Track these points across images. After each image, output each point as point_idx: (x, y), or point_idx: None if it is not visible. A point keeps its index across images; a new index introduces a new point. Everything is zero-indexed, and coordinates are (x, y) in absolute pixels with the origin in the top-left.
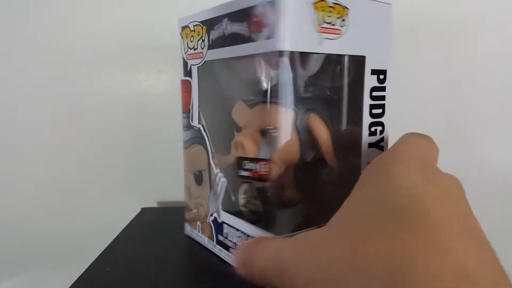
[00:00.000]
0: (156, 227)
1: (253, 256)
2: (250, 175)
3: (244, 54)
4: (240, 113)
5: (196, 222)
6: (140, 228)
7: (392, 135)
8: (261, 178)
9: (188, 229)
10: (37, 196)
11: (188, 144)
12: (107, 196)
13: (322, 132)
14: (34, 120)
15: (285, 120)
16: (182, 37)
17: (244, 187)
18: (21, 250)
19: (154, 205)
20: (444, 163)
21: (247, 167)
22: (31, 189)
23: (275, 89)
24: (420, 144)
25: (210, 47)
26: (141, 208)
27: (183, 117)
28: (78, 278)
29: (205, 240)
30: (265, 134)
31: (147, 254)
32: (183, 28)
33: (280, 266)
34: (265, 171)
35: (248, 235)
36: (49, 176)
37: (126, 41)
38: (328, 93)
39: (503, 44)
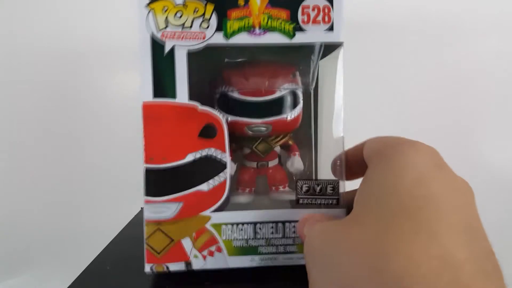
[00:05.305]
0: None
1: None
2: None
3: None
4: None
5: None
6: (140, 227)
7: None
8: None
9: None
10: (37, 196)
11: None
12: (107, 195)
13: None
14: (36, 120)
15: None
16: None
17: None
18: (21, 250)
19: None
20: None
21: None
22: (32, 188)
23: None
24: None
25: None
26: (141, 208)
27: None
28: (78, 276)
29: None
30: None
31: None
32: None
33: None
34: None
35: None
36: (49, 176)
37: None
38: None
39: (504, 44)
